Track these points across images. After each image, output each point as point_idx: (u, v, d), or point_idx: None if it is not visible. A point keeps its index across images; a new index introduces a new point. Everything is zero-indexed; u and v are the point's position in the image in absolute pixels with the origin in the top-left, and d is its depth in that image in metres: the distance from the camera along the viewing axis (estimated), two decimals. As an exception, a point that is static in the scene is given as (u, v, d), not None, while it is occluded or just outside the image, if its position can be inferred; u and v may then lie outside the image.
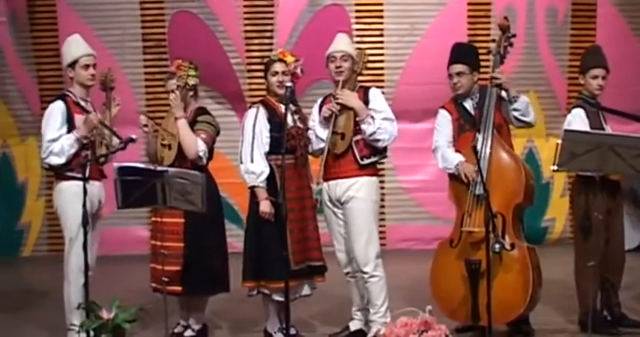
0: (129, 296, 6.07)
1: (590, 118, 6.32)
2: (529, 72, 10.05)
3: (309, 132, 6.34)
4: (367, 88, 6.40)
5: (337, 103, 6.20)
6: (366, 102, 6.24)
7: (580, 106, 6.40)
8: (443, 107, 6.51)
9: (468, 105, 6.43)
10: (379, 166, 6.72)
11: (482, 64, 6.50)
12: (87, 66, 6.25)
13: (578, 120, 6.30)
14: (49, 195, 10.15)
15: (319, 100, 6.46)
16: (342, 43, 6.35)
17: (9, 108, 10.40)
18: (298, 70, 6.34)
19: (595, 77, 6.42)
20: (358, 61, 6.28)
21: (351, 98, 6.21)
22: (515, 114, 6.34)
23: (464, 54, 6.48)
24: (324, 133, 6.24)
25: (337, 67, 6.25)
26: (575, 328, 6.44)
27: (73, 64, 6.27)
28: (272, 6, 10.07)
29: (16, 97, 10.36)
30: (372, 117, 6.16)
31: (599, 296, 6.38)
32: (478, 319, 6.03)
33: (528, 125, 6.50)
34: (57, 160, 6.14)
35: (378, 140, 6.18)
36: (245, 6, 10.06)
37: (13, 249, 10.45)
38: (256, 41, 10.13)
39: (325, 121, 6.25)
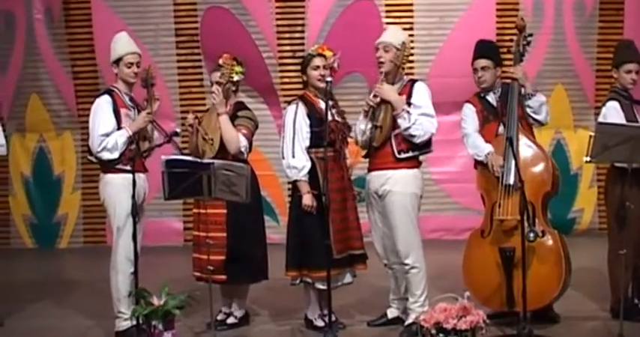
0: (169, 285, 6.21)
1: (625, 110, 6.44)
2: (557, 65, 10.10)
3: (357, 123, 6.44)
4: (414, 82, 6.47)
5: (375, 96, 6.31)
6: (411, 95, 6.33)
7: (614, 99, 6.50)
8: (467, 101, 6.68)
9: (491, 98, 6.60)
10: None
11: (510, 63, 6.65)
12: (130, 64, 6.40)
13: (613, 112, 6.42)
14: (85, 188, 10.42)
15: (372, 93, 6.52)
16: (387, 34, 6.44)
17: (45, 103, 10.53)
18: (335, 64, 6.47)
19: (629, 72, 6.53)
20: (399, 54, 6.31)
21: (388, 91, 6.29)
22: (528, 110, 6.50)
23: (488, 50, 6.67)
24: (365, 126, 6.37)
25: (378, 58, 6.34)
26: (606, 315, 6.55)
27: (117, 61, 6.44)
28: (303, 0, 10.16)
29: (52, 92, 10.50)
30: (408, 112, 6.23)
31: (630, 285, 6.50)
32: (513, 305, 6.19)
33: (539, 123, 6.63)
34: (109, 156, 6.29)
35: (413, 135, 6.25)
36: (277, 0, 10.17)
37: (50, 240, 10.62)
38: (287, 35, 10.23)
39: (366, 114, 6.37)
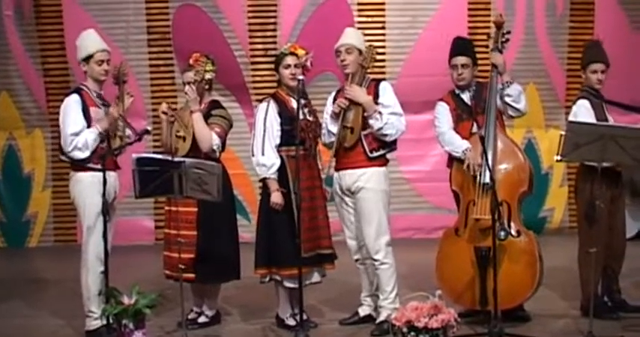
0: (140, 284, 6.18)
1: (595, 109, 6.48)
2: (528, 64, 10.16)
3: (323, 124, 6.48)
4: (379, 81, 6.52)
5: (346, 98, 6.33)
6: (377, 95, 6.36)
7: (585, 97, 6.53)
8: (441, 99, 6.69)
9: (465, 96, 6.62)
10: (384, 156, 6.82)
11: (482, 62, 6.71)
12: (101, 61, 6.36)
13: (584, 110, 6.44)
14: (55, 187, 10.35)
15: (333, 93, 6.60)
16: (347, 37, 6.47)
17: (15, 100, 10.46)
18: (308, 63, 6.48)
19: (594, 72, 6.57)
20: (366, 56, 6.36)
21: (359, 94, 6.32)
22: (508, 99, 6.49)
23: (467, 47, 6.70)
24: (334, 127, 6.38)
25: (342, 61, 6.38)
26: (577, 313, 6.59)
27: (87, 59, 6.38)
28: (276, -2, 10.19)
29: (22, 90, 10.43)
30: (380, 113, 6.28)
31: (600, 283, 6.54)
32: (486, 304, 6.19)
33: (519, 112, 6.59)
34: (80, 154, 6.25)
35: (385, 135, 6.31)
36: (249, -1, 10.20)
37: (20, 239, 10.55)
38: (260, 34, 10.23)
39: (335, 116, 6.38)
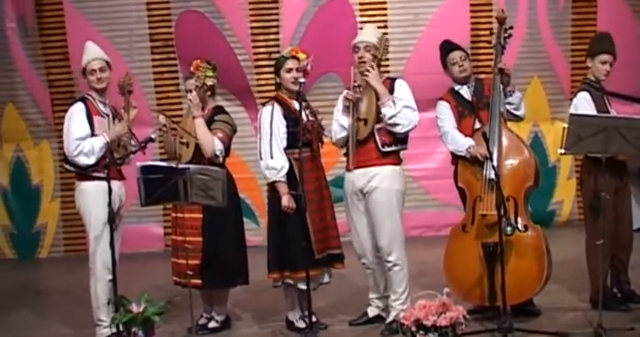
0: (149, 291, 6.20)
1: (596, 101, 6.47)
2: (532, 58, 10.13)
3: (333, 121, 6.45)
4: (394, 79, 6.48)
5: (358, 87, 6.26)
6: (392, 91, 6.31)
7: (585, 90, 6.53)
8: (441, 98, 6.71)
9: (465, 92, 6.64)
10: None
11: (485, 58, 6.70)
12: (93, 71, 6.44)
13: (584, 103, 6.45)
14: (63, 197, 10.36)
15: (345, 91, 6.48)
16: (366, 34, 6.44)
17: (21, 112, 10.47)
18: (308, 67, 6.48)
19: (604, 62, 6.57)
20: (379, 47, 6.30)
21: (377, 78, 6.27)
22: (509, 107, 6.55)
23: (456, 44, 6.79)
24: (346, 121, 6.34)
25: (360, 58, 6.33)
26: (586, 306, 6.58)
27: (83, 72, 6.50)
28: (277, 2, 10.15)
29: (28, 102, 10.43)
30: (394, 102, 6.22)
31: (609, 274, 6.52)
32: (495, 299, 6.18)
33: (518, 118, 6.70)
34: (86, 160, 6.29)
35: (397, 124, 6.22)
36: (250, 2, 10.14)
37: (30, 250, 10.55)
38: (262, 37, 10.22)
39: (347, 110, 6.34)
